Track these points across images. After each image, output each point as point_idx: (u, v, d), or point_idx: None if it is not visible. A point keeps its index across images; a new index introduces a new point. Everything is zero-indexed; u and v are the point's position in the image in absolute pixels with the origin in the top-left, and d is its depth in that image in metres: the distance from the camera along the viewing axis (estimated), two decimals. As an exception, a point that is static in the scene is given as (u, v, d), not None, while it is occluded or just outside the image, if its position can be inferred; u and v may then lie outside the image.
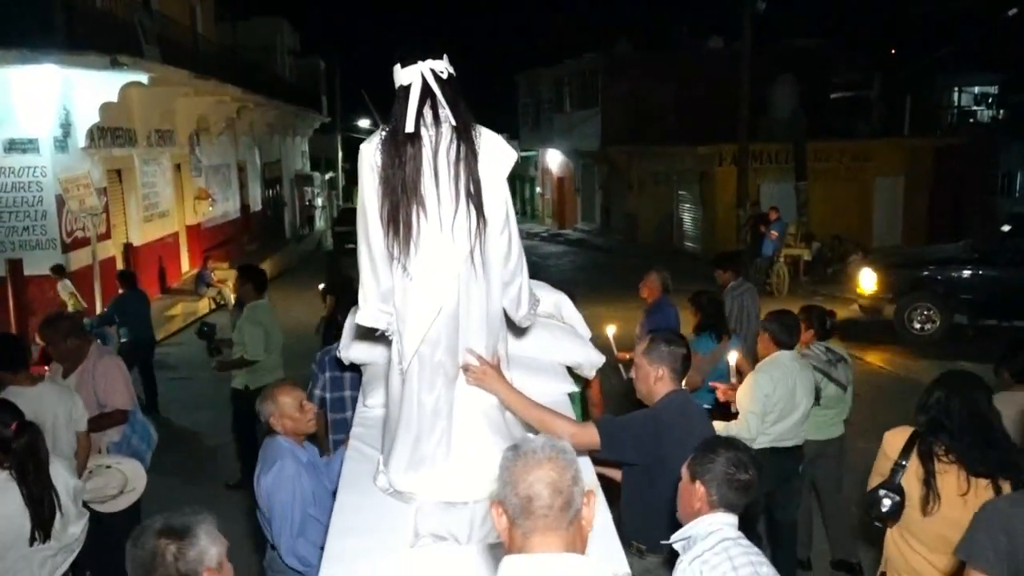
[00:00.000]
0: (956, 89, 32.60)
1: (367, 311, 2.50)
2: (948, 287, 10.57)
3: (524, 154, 34.34)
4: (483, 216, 2.37)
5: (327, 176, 38.96)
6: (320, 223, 34.59)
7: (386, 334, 2.53)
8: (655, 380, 2.98)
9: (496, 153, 2.42)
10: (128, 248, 12.73)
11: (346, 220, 23.72)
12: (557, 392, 3.09)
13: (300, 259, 24.32)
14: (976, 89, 33.44)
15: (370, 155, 2.41)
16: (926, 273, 10.85)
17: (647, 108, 25.44)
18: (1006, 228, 10.80)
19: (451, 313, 2.40)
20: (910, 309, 10.60)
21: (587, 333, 3.27)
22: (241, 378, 6.29)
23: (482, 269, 2.40)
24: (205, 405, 8.96)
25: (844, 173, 21.44)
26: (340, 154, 38.40)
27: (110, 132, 13.30)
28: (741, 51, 18.66)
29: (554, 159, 33.13)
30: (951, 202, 22.15)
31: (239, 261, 17.94)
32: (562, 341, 3.07)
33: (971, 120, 31.00)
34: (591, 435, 2.76)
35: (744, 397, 4.17)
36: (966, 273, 10.46)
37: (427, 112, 2.37)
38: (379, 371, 2.98)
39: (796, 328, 4.50)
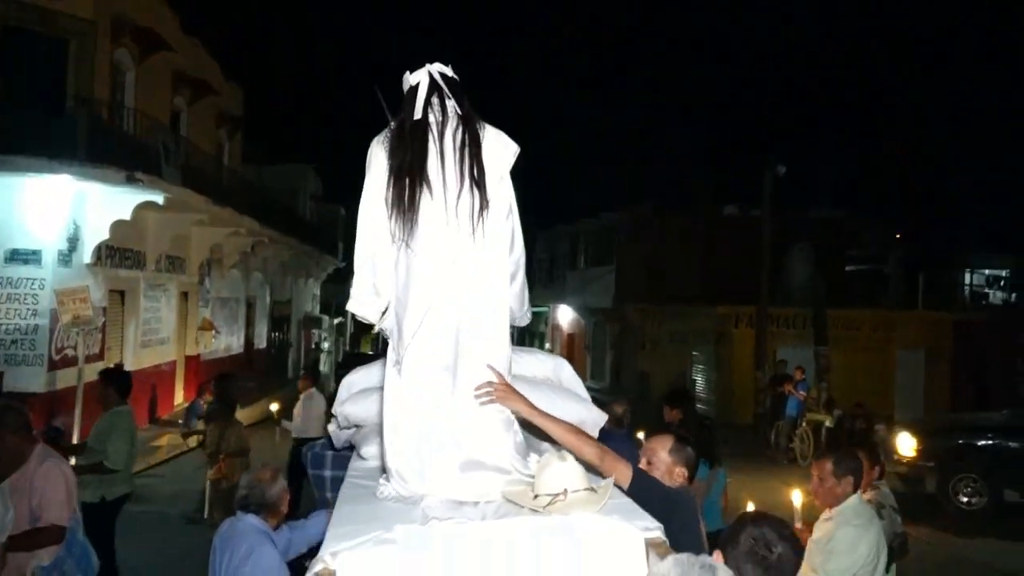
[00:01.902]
0: (969, 270, 32.88)
1: (357, 300, 2.54)
2: (995, 458, 9.73)
3: (535, 310, 33.60)
4: (486, 200, 2.43)
5: (336, 321, 38.77)
6: (325, 367, 34.00)
7: (382, 333, 2.55)
8: (673, 476, 2.97)
9: (499, 144, 2.53)
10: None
11: (351, 364, 23.13)
12: None
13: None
14: (987, 271, 33.75)
15: (378, 145, 2.52)
16: (970, 442, 10.03)
17: (662, 268, 25.40)
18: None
19: (453, 295, 2.39)
20: (955, 480, 9.72)
21: (587, 396, 3.16)
22: (94, 489, 5.79)
23: (485, 253, 2.44)
24: (174, 543, 8.09)
25: (864, 343, 21.23)
26: (352, 300, 38.36)
27: (119, 252, 13.03)
28: (760, 214, 18.77)
29: (565, 316, 32.87)
30: (973, 378, 21.69)
31: (239, 398, 17.27)
32: (562, 400, 2.93)
33: (984, 302, 31.04)
34: (624, 472, 2.67)
35: (822, 557, 3.38)
36: (1014, 444, 9.65)
37: (434, 102, 2.51)
38: (375, 428, 2.89)
39: (857, 466, 3.80)
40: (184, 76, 16.15)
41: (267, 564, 2.86)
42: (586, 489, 2.28)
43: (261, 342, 23.75)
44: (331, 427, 3.36)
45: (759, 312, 18.58)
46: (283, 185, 26.93)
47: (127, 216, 11.88)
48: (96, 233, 11.76)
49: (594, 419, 3.01)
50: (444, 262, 2.39)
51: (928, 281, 27.20)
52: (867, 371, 20.20)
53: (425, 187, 2.41)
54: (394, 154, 2.45)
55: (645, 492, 2.64)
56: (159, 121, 13.38)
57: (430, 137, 2.46)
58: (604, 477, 2.60)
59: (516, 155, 2.55)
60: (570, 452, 2.51)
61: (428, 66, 2.55)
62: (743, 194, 26.62)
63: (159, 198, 11.96)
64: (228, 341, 20.15)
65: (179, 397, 16.54)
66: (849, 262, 28.66)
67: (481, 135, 2.49)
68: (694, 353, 23.41)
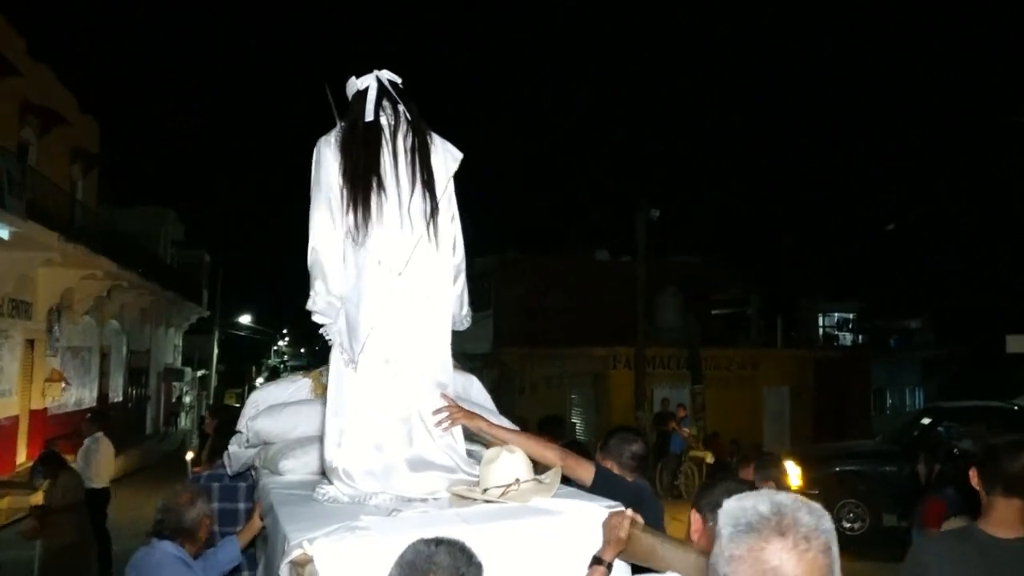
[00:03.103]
0: (821, 314, 35.07)
1: (319, 300, 2.49)
2: (872, 483, 10.05)
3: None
4: (436, 204, 2.52)
5: (199, 373, 36.71)
6: (185, 422, 31.99)
7: (327, 336, 2.52)
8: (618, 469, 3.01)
9: (445, 151, 2.61)
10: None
11: (220, 417, 21.80)
12: None
13: (160, 458, 21.94)
14: (836, 315, 36.11)
15: (327, 145, 2.54)
16: (848, 468, 10.33)
17: (539, 312, 25.59)
18: (926, 421, 10.55)
19: (406, 296, 2.43)
20: (838, 506, 9.95)
21: (495, 410, 3.27)
22: None
23: (434, 256, 2.51)
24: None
25: (734, 381, 21.97)
26: (216, 352, 36.48)
27: (-48, 292, 11.72)
28: (636, 255, 19.19)
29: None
30: (833, 412, 22.91)
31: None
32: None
33: (835, 343, 33.06)
34: (587, 470, 2.70)
35: None
36: (889, 468, 9.99)
37: (386, 104, 2.57)
38: (292, 443, 2.94)
39: (778, 474, 3.65)
40: (32, 106, 14.93)
41: None
42: (534, 480, 2.35)
43: (117, 395, 22.03)
44: (233, 447, 3.33)
45: (637, 353, 18.85)
46: (142, 229, 25.36)
47: (-37, 252, 10.71)
48: (-74, 271, 10.52)
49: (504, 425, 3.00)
50: (398, 263, 2.43)
51: (786, 323, 28.79)
52: (737, 407, 20.91)
53: (380, 187, 2.45)
54: (347, 153, 2.48)
55: (608, 487, 2.63)
56: (2, 147, 12.19)
57: (383, 139, 2.51)
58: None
59: (460, 162, 2.62)
60: (534, 457, 2.55)
61: (376, 72, 2.61)
62: (612, 240, 27.54)
63: (2, 232, 10.84)
64: (80, 394, 18.51)
65: (22, 455, 14.91)
66: (714, 306, 29.91)
67: (430, 140, 2.58)
68: (572, 396, 23.54)
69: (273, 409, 3.15)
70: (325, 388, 3.34)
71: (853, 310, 35.89)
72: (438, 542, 1.52)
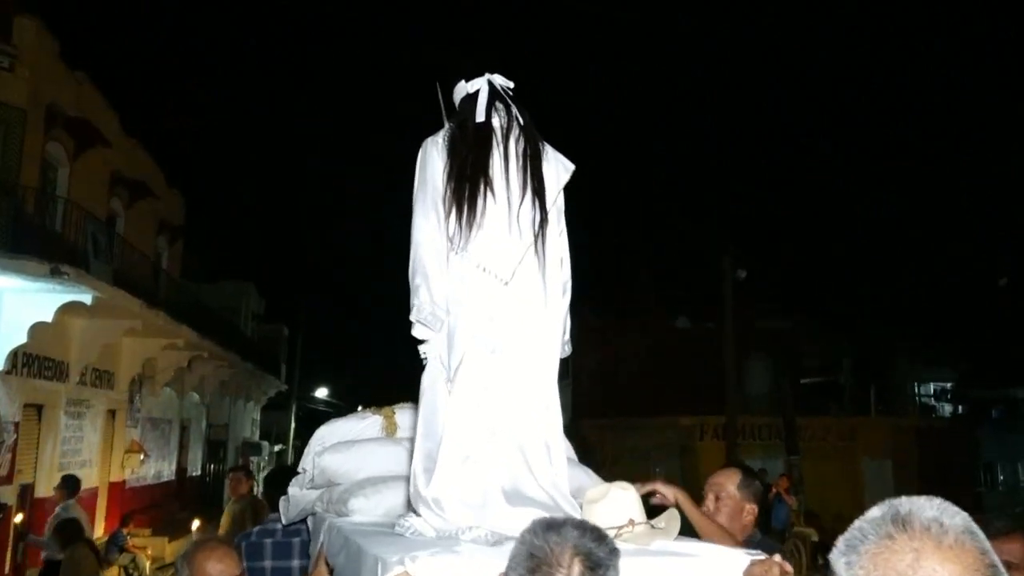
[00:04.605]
0: (916, 383, 33.29)
1: (424, 310, 2.24)
2: None
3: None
4: (546, 213, 2.35)
5: (276, 448, 36.73)
6: (262, 496, 31.83)
7: (424, 355, 2.30)
8: (744, 514, 2.79)
9: (557, 160, 2.46)
10: (27, 496, 10.54)
11: (277, 483, 21.42)
12: None
13: (236, 531, 21.63)
14: (932, 385, 34.16)
15: (433, 146, 2.39)
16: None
17: (619, 382, 24.85)
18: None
19: (510, 309, 2.25)
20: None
21: (576, 459, 3.11)
22: None
23: (542, 268, 2.32)
24: None
25: (831, 452, 20.77)
26: (293, 426, 36.57)
27: (38, 360, 11.72)
28: (719, 321, 18.46)
29: (519, 436, 31.73)
30: (939, 487, 21.26)
31: (166, 528, 15.62)
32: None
33: (933, 415, 31.21)
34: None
35: None
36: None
37: (498, 106, 2.44)
38: (359, 481, 2.73)
39: None
40: (122, 177, 15.30)
41: None
42: (646, 523, 2.17)
43: (195, 469, 21.98)
44: (293, 489, 3.09)
45: (728, 422, 17.91)
46: (224, 302, 25.79)
47: (49, 318, 10.67)
48: (11, 336, 10.48)
49: (595, 484, 2.83)
50: (505, 271, 2.26)
51: (878, 394, 27.33)
52: (836, 481, 19.61)
53: (488, 190, 2.30)
54: (455, 154, 2.34)
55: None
56: (91, 215, 12.37)
57: (494, 141, 2.38)
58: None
59: (571, 173, 2.47)
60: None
61: (488, 75, 2.49)
62: (693, 307, 26.70)
63: (87, 297, 10.80)
64: (158, 467, 18.45)
65: (99, 529, 14.72)
66: (804, 373, 28.60)
67: (542, 148, 2.43)
68: (657, 469, 22.50)
69: (341, 445, 2.92)
70: (398, 426, 3.09)
71: (950, 378, 33.93)
72: (565, 520, 1.38)
